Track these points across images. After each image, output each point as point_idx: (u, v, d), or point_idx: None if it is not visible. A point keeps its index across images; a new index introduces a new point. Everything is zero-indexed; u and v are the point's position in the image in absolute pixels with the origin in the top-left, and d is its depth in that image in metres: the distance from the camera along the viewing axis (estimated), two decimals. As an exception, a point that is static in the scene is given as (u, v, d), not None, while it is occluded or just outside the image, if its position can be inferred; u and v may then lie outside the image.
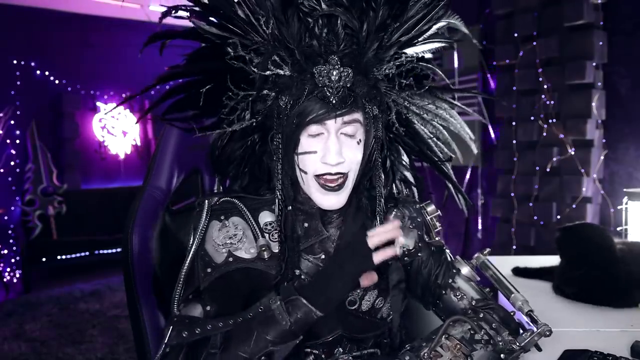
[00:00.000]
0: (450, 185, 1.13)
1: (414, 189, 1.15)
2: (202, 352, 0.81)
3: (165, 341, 0.83)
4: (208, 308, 0.86)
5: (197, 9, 0.89)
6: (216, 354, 0.80)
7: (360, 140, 0.90)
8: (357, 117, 0.88)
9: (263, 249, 0.89)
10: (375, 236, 0.82)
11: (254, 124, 0.92)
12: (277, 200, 0.90)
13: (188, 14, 0.89)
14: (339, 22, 0.87)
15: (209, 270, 0.88)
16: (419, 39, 0.95)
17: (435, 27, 0.96)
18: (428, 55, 1.00)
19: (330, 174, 0.87)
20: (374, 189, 0.96)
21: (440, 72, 1.04)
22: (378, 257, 0.82)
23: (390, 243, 0.84)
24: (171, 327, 0.84)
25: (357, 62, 0.88)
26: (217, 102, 0.92)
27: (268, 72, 0.86)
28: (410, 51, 0.95)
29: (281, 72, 0.87)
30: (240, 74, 0.89)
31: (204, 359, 0.81)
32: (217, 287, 0.88)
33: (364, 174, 0.95)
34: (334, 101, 0.85)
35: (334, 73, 0.84)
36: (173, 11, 0.89)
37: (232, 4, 0.88)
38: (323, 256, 0.92)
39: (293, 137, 0.87)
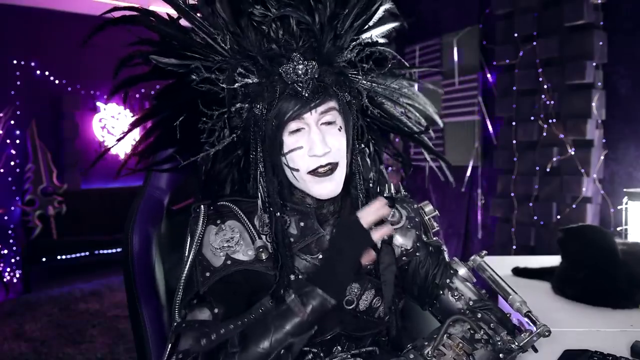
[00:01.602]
0: (427, 153, 1.19)
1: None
2: (220, 353, 0.81)
3: (169, 348, 0.82)
4: (216, 311, 0.86)
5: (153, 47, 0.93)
6: (235, 353, 0.79)
7: (340, 127, 0.92)
8: (332, 105, 0.90)
9: (260, 250, 0.89)
10: (368, 215, 0.84)
11: (235, 139, 0.94)
12: (260, 210, 0.92)
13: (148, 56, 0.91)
14: (291, 21, 0.90)
15: (207, 274, 0.88)
16: (370, 23, 0.98)
17: (381, 9, 0.99)
18: (382, 40, 1.04)
19: (321, 166, 0.89)
20: (363, 180, 0.98)
21: (395, 53, 1.07)
22: (377, 235, 0.84)
23: (381, 222, 0.86)
24: (180, 333, 0.83)
25: (318, 54, 0.91)
26: (194, 132, 0.94)
27: (236, 85, 0.89)
28: (365, 36, 0.99)
29: (249, 81, 0.89)
30: (210, 96, 0.92)
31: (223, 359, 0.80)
32: (219, 290, 0.88)
33: (351, 163, 0.97)
34: (306, 94, 0.87)
35: (300, 67, 0.87)
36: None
37: (186, 32, 0.91)
38: (320, 255, 0.92)
39: (276, 139, 0.89)
